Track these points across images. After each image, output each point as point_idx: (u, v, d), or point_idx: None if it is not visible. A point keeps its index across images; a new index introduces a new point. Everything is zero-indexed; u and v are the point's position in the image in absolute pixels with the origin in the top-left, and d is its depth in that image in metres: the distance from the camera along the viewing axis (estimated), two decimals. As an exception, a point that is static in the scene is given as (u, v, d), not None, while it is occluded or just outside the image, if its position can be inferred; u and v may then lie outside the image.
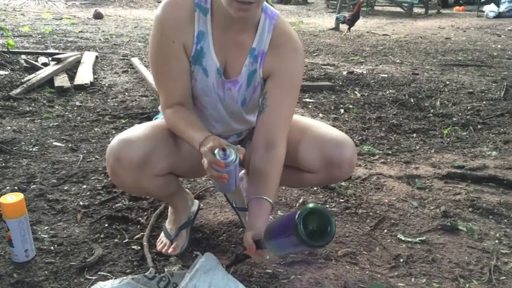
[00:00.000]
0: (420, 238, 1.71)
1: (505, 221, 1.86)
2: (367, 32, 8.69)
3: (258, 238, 1.20)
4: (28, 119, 3.00)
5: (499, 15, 11.55)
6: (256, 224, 1.25)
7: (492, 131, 3.03)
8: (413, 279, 1.48)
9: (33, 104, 3.30)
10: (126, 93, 3.76)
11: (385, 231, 1.77)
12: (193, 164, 1.45)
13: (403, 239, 1.71)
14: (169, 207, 1.71)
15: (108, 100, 3.54)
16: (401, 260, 1.58)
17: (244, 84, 1.41)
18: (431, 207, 1.95)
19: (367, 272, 1.51)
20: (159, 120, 1.50)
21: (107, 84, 4.00)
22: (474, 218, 1.88)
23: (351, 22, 8.02)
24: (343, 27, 8.60)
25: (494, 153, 2.60)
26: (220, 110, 1.47)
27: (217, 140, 1.21)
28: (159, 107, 1.50)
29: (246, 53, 1.37)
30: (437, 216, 1.88)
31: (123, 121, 3.02)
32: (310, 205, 1.04)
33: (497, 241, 1.71)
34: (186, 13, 1.32)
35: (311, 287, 1.42)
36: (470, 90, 4.10)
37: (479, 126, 3.12)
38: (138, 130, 1.40)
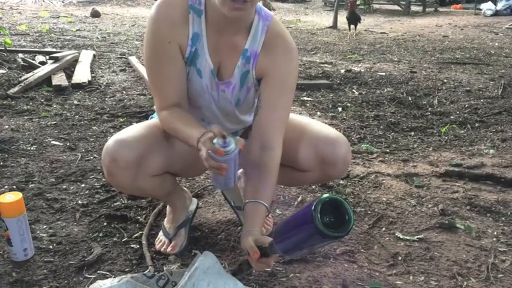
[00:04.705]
0: (418, 236, 1.71)
1: (503, 219, 1.87)
2: (365, 30, 8.70)
3: (260, 244, 1.18)
4: (26, 117, 2.99)
5: (496, 13, 11.57)
6: (253, 229, 1.24)
7: (490, 129, 3.04)
8: (411, 277, 1.49)
9: (31, 103, 3.30)
10: (124, 92, 3.75)
11: (383, 229, 1.78)
12: (188, 163, 1.45)
13: (401, 237, 1.72)
14: (167, 206, 1.71)
15: (106, 99, 3.54)
16: (400, 258, 1.58)
17: (238, 85, 1.41)
18: (429, 206, 1.96)
19: (365, 270, 1.51)
20: (154, 119, 1.50)
21: (104, 83, 3.99)
22: (472, 216, 1.88)
23: (351, 21, 7.99)
24: (342, 26, 8.61)
25: (491, 151, 2.60)
26: (215, 111, 1.46)
27: (216, 129, 1.16)
28: (155, 107, 1.49)
29: (239, 54, 1.37)
30: (435, 214, 1.88)
31: (121, 120, 3.01)
32: (325, 195, 0.97)
33: (495, 239, 1.71)
34: (180, 14, 1.32)
35: (309, 285, 1.42)
36: (468, 88, 4.11)
37: (476, 125, 3.13)
38: (133, 130, 1.40)
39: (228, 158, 1.16)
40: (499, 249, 1.65)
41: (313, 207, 0.94)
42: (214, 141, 1.15)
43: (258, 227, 1.25)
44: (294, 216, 1.07)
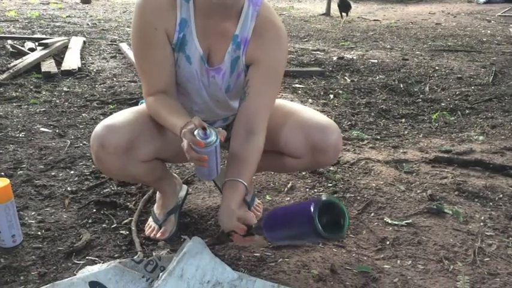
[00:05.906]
0: (406, 221, 1.73)
1: (490, 204, 1.88)
2: (358, 18, 8.66)
3: (247, 223, 1.20)
4: (15, 104, 2.96)
5: (489, 1, 11.55)
6: (230, 205, 1.24)
7: (480, 115, 3.06)
8: (399, 261, 1.50)
9: (19, 90, 3.26)
10: (115, 79, 3.72)
11: (372, 214, 1.79)
12: (178, 149, 1.44)
13: (389, 222, 1.73)
14: (157, 192, 1.71)
15: (96, 86, 3.51)
16: (388, 243, 1.60)
17: (228, 71, 1.40)
18: (418, 191, 1.97)
19: (353, 255, 1.53)
20: (143, 105, 1.49)
21: (94, 70, 3.95)
22: (460, 201, 1.90)
23: (341, 8, 7.94)
24: (335, 13, 8.57)
25: (481, 137, 2.62)
26: (205, 97, 1.46)
27: (198, 120, 1.18)
28: (143, 92, 1.49)
29: (229, 40, 1.35)
30: (423, 199, 1.90)
31: (112, 107, 2.99)
32: (324, 197, 1.02)
33: (482, 224, 1.73)
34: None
35: (298, 270, 1.43)
36: (459, 75, 4.12)
37: (467, 111, 3.14)
38: (122, 116, 1.39)
39: (208, 150, 1.17)
40: (486, 233, 1.67)
41: (311, 209, 0.98)
42: (195, 132, 1.16)
43: (235, 203, 1.25)
44: (288, 211, 1.12)
